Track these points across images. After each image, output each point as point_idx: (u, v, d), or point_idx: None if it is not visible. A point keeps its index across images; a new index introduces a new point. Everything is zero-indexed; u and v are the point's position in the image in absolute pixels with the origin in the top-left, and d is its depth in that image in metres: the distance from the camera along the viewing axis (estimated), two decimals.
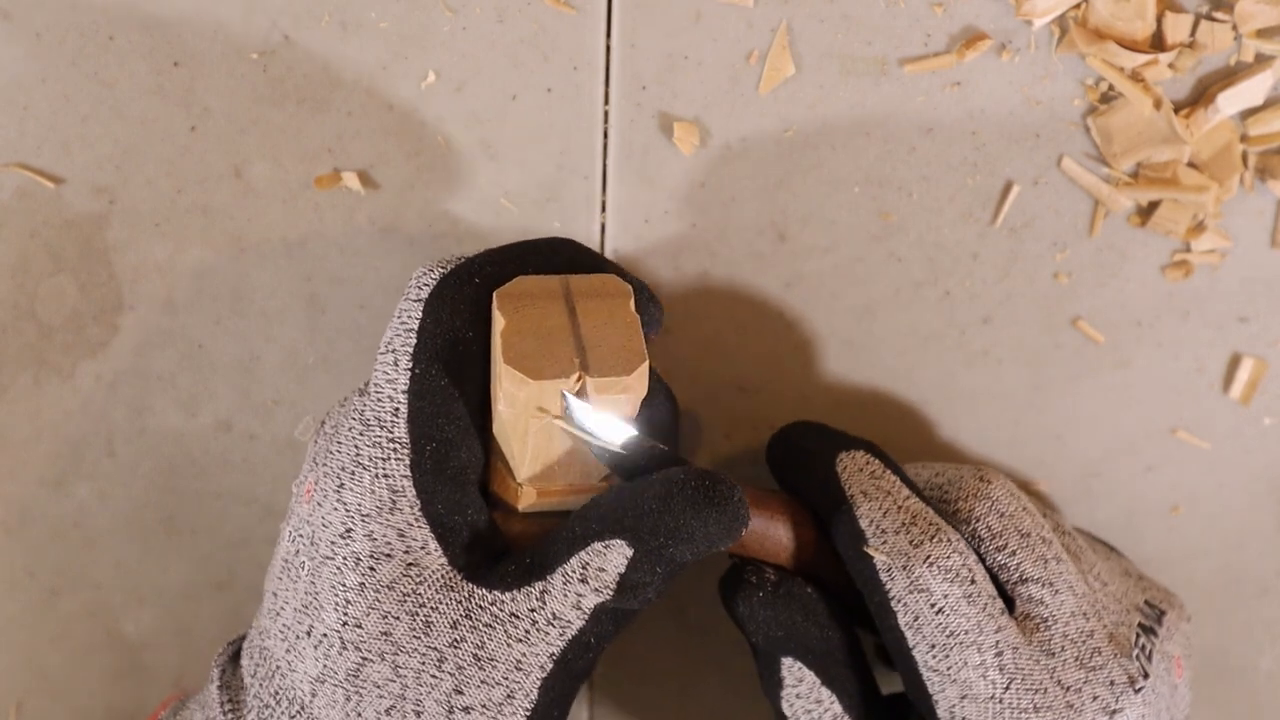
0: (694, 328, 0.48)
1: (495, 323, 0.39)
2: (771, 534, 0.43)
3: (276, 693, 0.40)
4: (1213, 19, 0.43)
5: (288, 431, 0.50)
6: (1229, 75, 0.44)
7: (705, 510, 0.38)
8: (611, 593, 0.38)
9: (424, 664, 0.38)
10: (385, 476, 0.39)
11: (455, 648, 0.38)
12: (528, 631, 0.38)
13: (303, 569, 0.39)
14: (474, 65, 0.44)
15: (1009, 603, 0.43)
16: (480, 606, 0.38)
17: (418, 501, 0.38)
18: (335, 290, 0.47)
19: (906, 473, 0.45)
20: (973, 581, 0.41)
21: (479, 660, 0.38)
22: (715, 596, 0.53)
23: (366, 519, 0.39)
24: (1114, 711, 0.41)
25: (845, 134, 0.45)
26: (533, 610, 0.38)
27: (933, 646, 0.41)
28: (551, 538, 0.39)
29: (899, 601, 0.41)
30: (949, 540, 0.42)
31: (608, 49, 0.44)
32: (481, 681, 0.39)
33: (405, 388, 0.39)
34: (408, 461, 0.39)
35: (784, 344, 0.49)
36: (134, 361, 0.48)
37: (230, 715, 0.40)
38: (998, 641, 0.41)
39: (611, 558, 0.38)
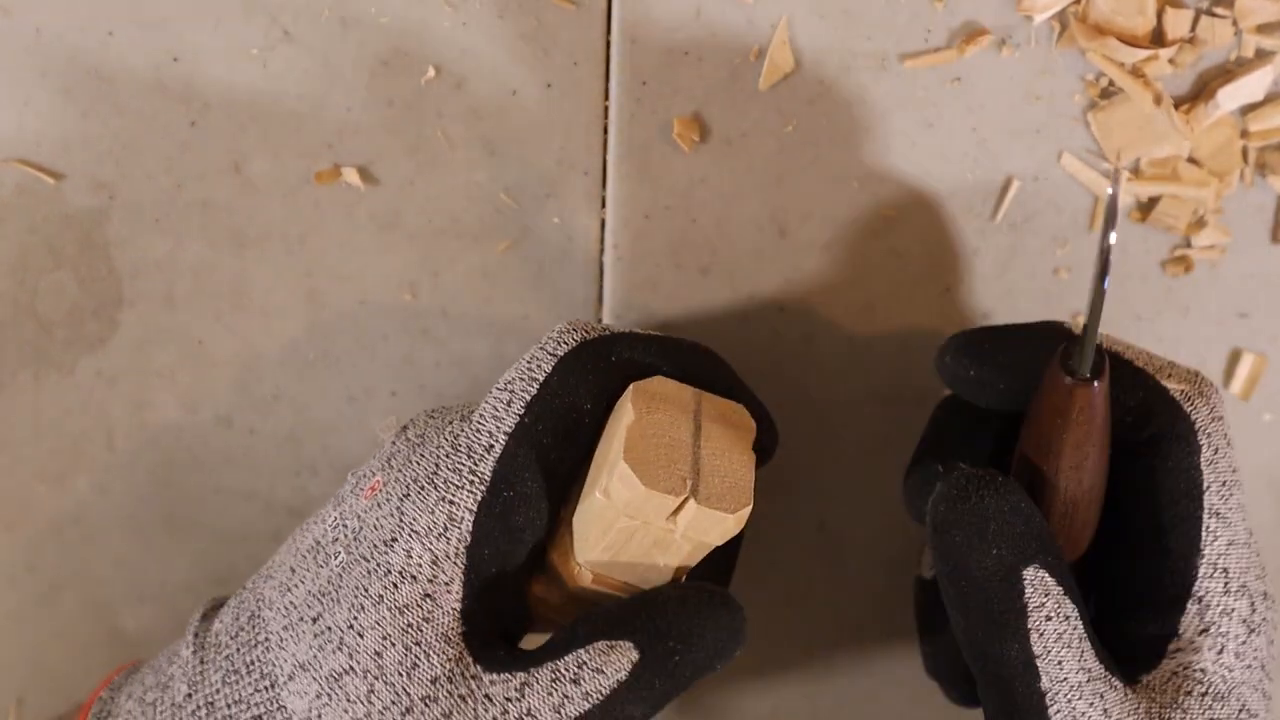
0: (694, 323, 0.48)
1: (623, 413, 0.38)
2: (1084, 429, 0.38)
3: (252, 663, 0.39)
4: (1213, 14, 0.43)
5: (288, 427, 0.50)
6: (1229, 71, 0.44)
7: (722, 618, 0.37)
8: (599, 701, 0.37)
9: (393, 703, 0.37)
10: (451, 503, 0.38)
11: (425, 704, 0.37)
12: (495, 718, 0.37)
13: (335, 558, 0.39)
14: (474, 60, 0.44)
15: None
16: (462, 675, 0.37)
17: (468, 538, 0.38)
18: (335, 286, 0.47)
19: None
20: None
21: None
22: None
23: (414, 536, 0.38)
24: None
25: (845, 129, 0.45)
26: (508, 699, 0.37)
27: (1224, 484, 0.39)
28: (556, 635, 0.38)
29: (1204, 432, 0.39)
30: (1206, 379, 0.40)
31: (608, 44, 0.44)
32: None
33: (509, 430, 0.38)
34: (479, 497, 0.38)
35: (784, 340, 0.49)
36: (134, 357, 0.48)
37: (197, 675, 0.39)
38: (1241, 481, 0.40)
39: (614, 659, 0.37)
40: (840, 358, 0.49)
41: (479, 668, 0.37)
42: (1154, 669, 0.39)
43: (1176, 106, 0.45)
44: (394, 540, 0.38)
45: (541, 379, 0.39)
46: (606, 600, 0.39)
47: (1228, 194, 0.46)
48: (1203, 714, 0.38)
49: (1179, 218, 0.46)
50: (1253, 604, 0.40)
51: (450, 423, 0.40)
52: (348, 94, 0.44)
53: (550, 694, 0.37)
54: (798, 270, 0.48)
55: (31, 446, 0.50)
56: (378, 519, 0.39)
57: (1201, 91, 0.45)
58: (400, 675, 0.37)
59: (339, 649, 0.38)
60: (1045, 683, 0.37)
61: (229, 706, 0.39)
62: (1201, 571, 0.39)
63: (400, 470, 0.39)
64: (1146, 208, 0.47)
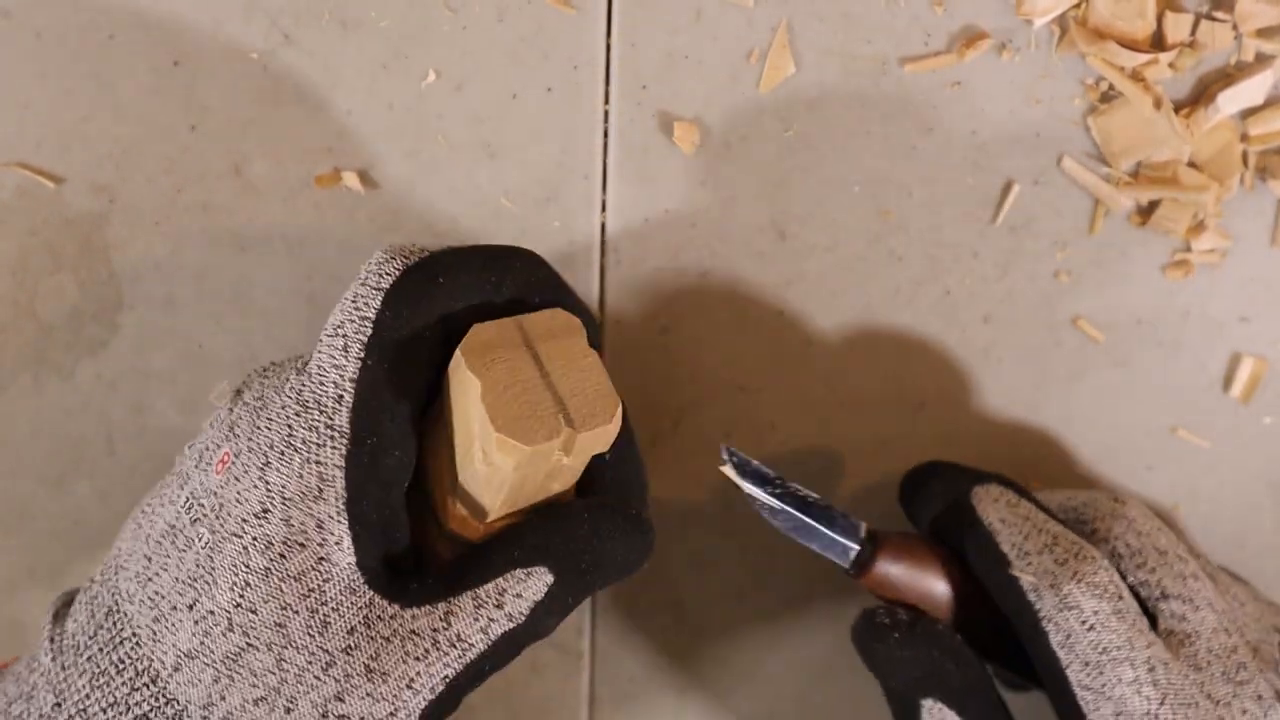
0: (694, 326, 0.48)
1: (464, 380, 0.38)
2: (919, 584, 0.44)
3: (121, 660, 0.38)
4: (1213, 18, 0.43)
5: None
6: (1229, 74, 0.44)
7: (632, 537, 0.39)
8: (522, 620, 0.38)
9: (310, 663, 0.37)
10: (318, 463, 0.37)
11: (347, 654, 0.37)
12: (426, 651, 0.37)
13: (199, 539, 0.37)
14: (474, 64, 0.44)
15: (1151, 620, 0.43)
16: (379, 618, 0.37)
17: (345, 495, 0.37)
18: (335, 289, 0.47)
19: (1040, 497, 0.45)
20: (1120, 597, 0.42)
21: (369, 672, 0.37)
22: (714, 598, 0.53)
23: (288, 503, 0.37)
24: None
25: (845, 133, 0.45)
26: (435, 630, 0.37)
27: (1086, 664, 0.41)
28: (465, 562, 0.39)
29: (1049, 621, 0.41)
30: (1094, 558, 0.42)
31: (608, 48, 0.44)
32: (367, 694, 0.37)
33: (353, 376, 0.37)
34: (343, 451, 0.37)
35: (784, 343, 0.49)
36: (134, 360, 0.48)
37: (61, 681, 0.38)
38: (1149, 657, 0.41)
39: (531, 584, 0.38)
40: (840, 361, 0.49)
41: (397, 606, 0.37)
42: None
43: (1176, 110, 0.44)
44: (266, 511, 0.37)
45: (373, 316, 0.38)
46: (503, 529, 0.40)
47: (1228, 198, 0.46)
48: None
49: (1179, 221, 0.46)
50: None
51: (287, 379, 0.39)
52: (348, 97, 0.44)
53: (476, 618, 0.38)
54: (797, 273, 0.48)
55: (31, 449, 0.50)
56: (239, 493, 0.37)
57: (1201, 95, 0.45)
58: (311, 637, 0.37)
59: (229, 630, 0.37)
60: None
61: (104, 711, 0.38)
62: None
63: (250, 439, 0.38)
64: (1146, 211, 0.47)
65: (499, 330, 0.39)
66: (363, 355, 0.37)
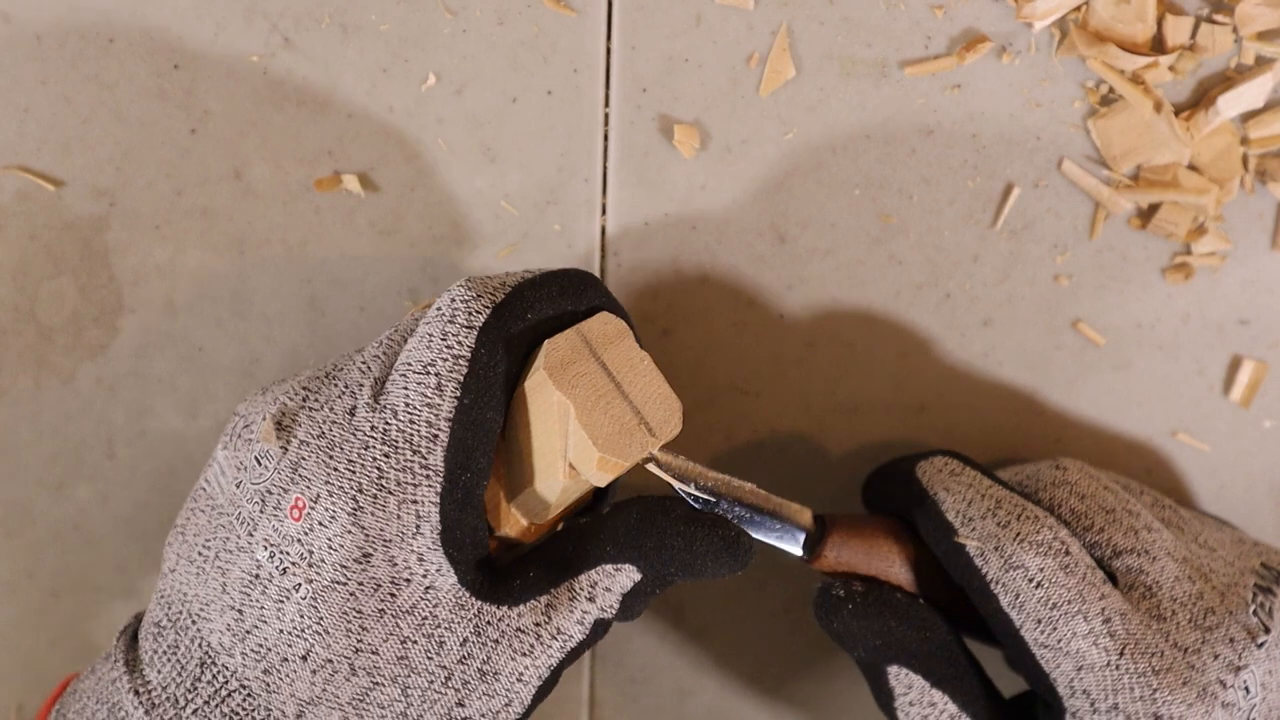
0: (694, 330, 0.48)
1: (552, 400, 0.38)
2: (875, 562, 0.44)
3: (236, 712, 0.39)
4: (1213, 21, 0.43)
5: None
6: (1229, 78, 0.44)
7: (724, 559, 0.40)
8: (613, 611, 0.40)
9: (431, 682, 0.39)
10: (414, 503, 0.38)
11: (463, 664, 0.39)
12: (532, 646, 0.39)
13: (296, 591, 0.38)
14: (474, 68, 0.44)
15: (1112, 579, 0.43)
16: (489, 623, 0.39)
17: (440, 527, 0.38)
18: (335, 292, 0.47)
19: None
20: (1067, 553, 0.42)
21: (484, 674, 0.39)
22: (714, 598, 0.53)
23: (388, 545, 0.38)
24: (1239, 668, 0.41)
25: (845, 136, 0.45)
26: (538, 625, 0.39)
27: (1038, 622, 0.41)
28: (553, 556, 0.40)
29: (997, 583, 0.42)
30: (1036, 517, 0.42)
31: (608, 51, 0.44)
32: (484, 693, 0.39)
33: (449, 416, 0.38)
34: (438, 489, 0.38)
35: (784, 346, 0.49)
36: (134, 364, 0.48)
37: None
38: (1104, 609, 0.41)
39: (620, 579, 0.40)
40: (840, 364, 0.49)
41: (503, 609, 0.39)
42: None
43: (1177, 113, 0.44)
44: (368, 556, 0.38)
45: (467, 355, 0.38)
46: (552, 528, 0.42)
47: (1228, 201, 0.46)
48: None
49: (1179, 224, 0.46)
50: None
51: (350, 411, 0.39)
52: (348, 101, 0.44)
53: (572, 610, 0.40)
54: (798, 276, 0.48)
55: (32, 453, 0.50)
56: (330, 539, 0.38)
57: (1202, 98, 0.45)
58: (429, 659, 0.39)
59: (352, 674, 0.38)
60: None
61: None
62: (1062, 693, 0.42)
63: (328, 482, 0.38)
64: (1146, 215, 0.47)
65: (568, 345, 0.40)
66: (459, 395, 0.38)
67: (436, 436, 0.38)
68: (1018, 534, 0.42)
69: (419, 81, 0.44)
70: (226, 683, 0.39)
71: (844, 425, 0.50)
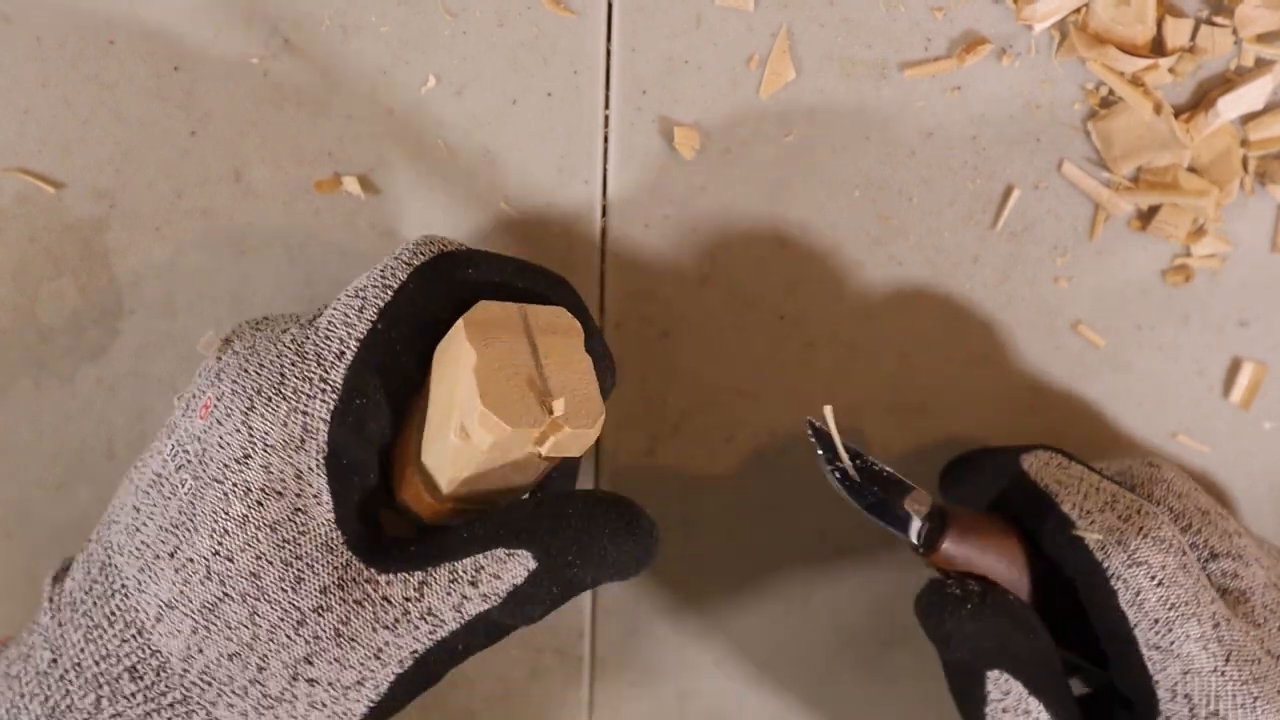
0: (694, 330, 0.48)
1: (460, 350, 0.37)
2: (988, 560, 0.43)
3: (113, 613, 0.38)
4: (1213, 23, 0.43)
5: None
6: (1229, 79, 0.44)
7: (625, 539, 0.37)
8: (498, 602, 0.37)
9: (282, 620, 0.36)
10: (304, 413, 0.37)
11: (318, 614, 0.37)
12: (397, 620, 0.37)
13: (182, 485, 0.37)
14: (474, 69, 0.44)
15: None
16: (354, 580, 0.37)
17: (326, 449, 0.37)
18: (335, 293, 0.47)
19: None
20: (1184, 552, 0.41)
21: (339, 636, 0.37)
22: (715, 599, 0.53)
23: (270, 450, 0.37)
24: None
25: (845, 138, 0.45)
26: (407, 600, 0.37)
27: (1155, 622, 0.40)
28: (446, 533, 0.38)
29: (1118, 578, 0.40)
30: (1155, 512, 0.41)
31: (608, 53, 0.44)
32: (335, 659, 0.37)
33: (360, 336, 0.37)
34: (331, 406, 0.37)
35: (784, 347, 0.49)
36: (134, 365, 0.48)
37: (58, 638, 0.38)
38: (1214, 613, 0.40)
39: (511, 567, 0.37)
40: (840, 366, 0.49)
41: (372, 571, 0.37)
42: None
43: (1176, 115, 0.45)
44: (248, 457, 0.37)
45: (396, 286, 0.38)
46: (459, 518, 0.39)
47: (1228, 203, 0.46)
48: None
49: (1179, 226, 0.46)
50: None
51: (286, 330, 0.39)
52: (348, 102, 0.44)
53: (449, 594, 0.37)
54: (798, 278, 0.48)
55: (32, 454, 0.50)
56: (221, 437, 0.37)
57: (1201, 100, 0.45)
58: (284, 591, 0.36)
59: (207, 578, 0.36)
60: None
61: (97, 664, 0.37)
62: (1161, 698, 0.41)
63: (236, 383, 0.37)
64: (1146, 216, 0.47)
65: (503, 312, 0.38)
66: (375, 318, 0.37)
67: (343, 354, 0.37)
68: (1140, 528, 0.41)
69: (419, 83, 0.44)
70: (112, 581, 0.38)
71: (844, 426, 0.50)
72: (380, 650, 0.37)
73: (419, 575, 0.37)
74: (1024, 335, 0.49)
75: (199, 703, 0.37)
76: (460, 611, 0.37)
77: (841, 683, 0.55)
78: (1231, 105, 0.44)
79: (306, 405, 0.37)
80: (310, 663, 0.37)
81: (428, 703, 0.56)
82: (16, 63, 0.44)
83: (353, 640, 0.37)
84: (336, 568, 0.37)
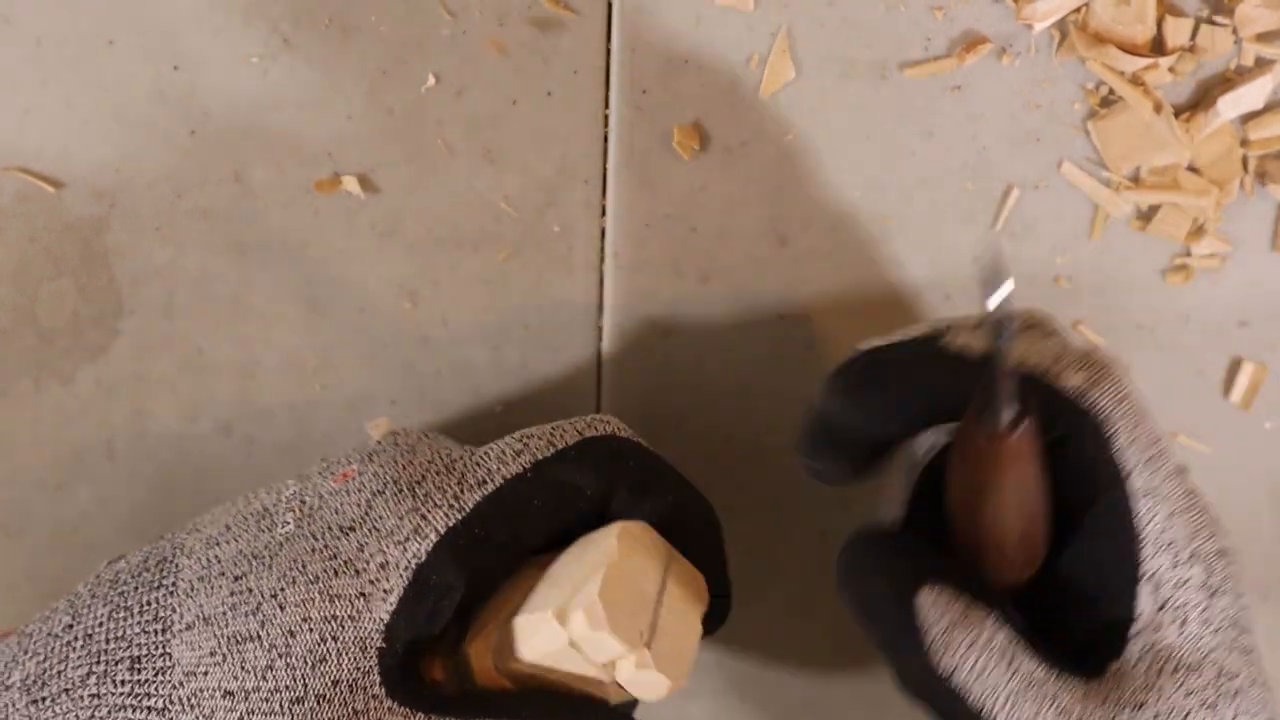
0: (694, 330, 0.48)
1: (603, 547, 0.37)
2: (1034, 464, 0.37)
3: (147, 604, 0.38)
4: (1213, 23, 0.43)
5: (288, 436, 0.50)
6: (1229, 79, 0.44)
7: None
8: None
9: (287, 689, 0.36)
10: (423, 517, 0.37)
11: (318, 703, 0.36)
12: None
13: (283, 526, 0.38)
14: (474, 69, 0.44)
15: None
16: (365, 689, 0.36)
17: (424, 557, 0.37)
18: (335, 294, 0.47)
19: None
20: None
21: None
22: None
23: (374, 532, 0.37)
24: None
25: (845, 138, 0.45)
26: None
27: (1148, 460, 0.37)
28: (471, 697, 0.37)
29: (1109, 421, 0.37)
30: (1125, 369, 0.39)
31: (608, 53, 0.44)
32: None
33: (506, 475, 0.38)
34: (450, 523, 0.37)
35: (785, 347, 0.49)
36: (134, 365, 0.48)
37: (84, 606, 0.38)
38: (1166, 448, 0.38)
39: None
40: None
41: (383, 690, 0.36)
42: (1120, 655, 0.38)
43: (1176, 115, 0.45)
44: (352, 530, 0.37)
45: (561, 448, 0.39)
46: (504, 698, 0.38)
47: (1228, 202, 0.46)
48: (1175, 688, 0.37)
49: (1179, 226, 0.46)
50: (1209, 567, 0.38)
51: (447, 447, 0.40)
52: (348, 102, 0.44)
53: None
54: (798, 278, 0.48)
55: (31, 455, 0.50)
56: (341, 504, 0.38)
57: (1201, 100, 0.45)
58: (304, 662, 0.36)
59: (253, 614, 0.37)
60: (975, 698, 0.36)
61: (107, 641, 0.37)
62: (1146, 551, 0.37)
63: (383, 467, 0.38)
64: (1146, 216, 0.47)
65: (654, 541, 0.39)
66: (528, 467, 0.38)
67: (485, 483, 0.38)
68: (1099, 378, 0.38)
69: (419, 83, 0.44)
70: (165, 577, 0.38)
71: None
72: None
73: (421, 717, 0.36)
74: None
75: None
76: None
77: (841, 683, 0.55)
78: (1231, 105, 0.44)
79: (429, 511, 0.37)
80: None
81: None
82: (17, 63, 0.44)
83: None
84: (358, 669, 0.36)
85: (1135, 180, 0.46)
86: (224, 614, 0.37)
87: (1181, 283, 0.48)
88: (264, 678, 0.36)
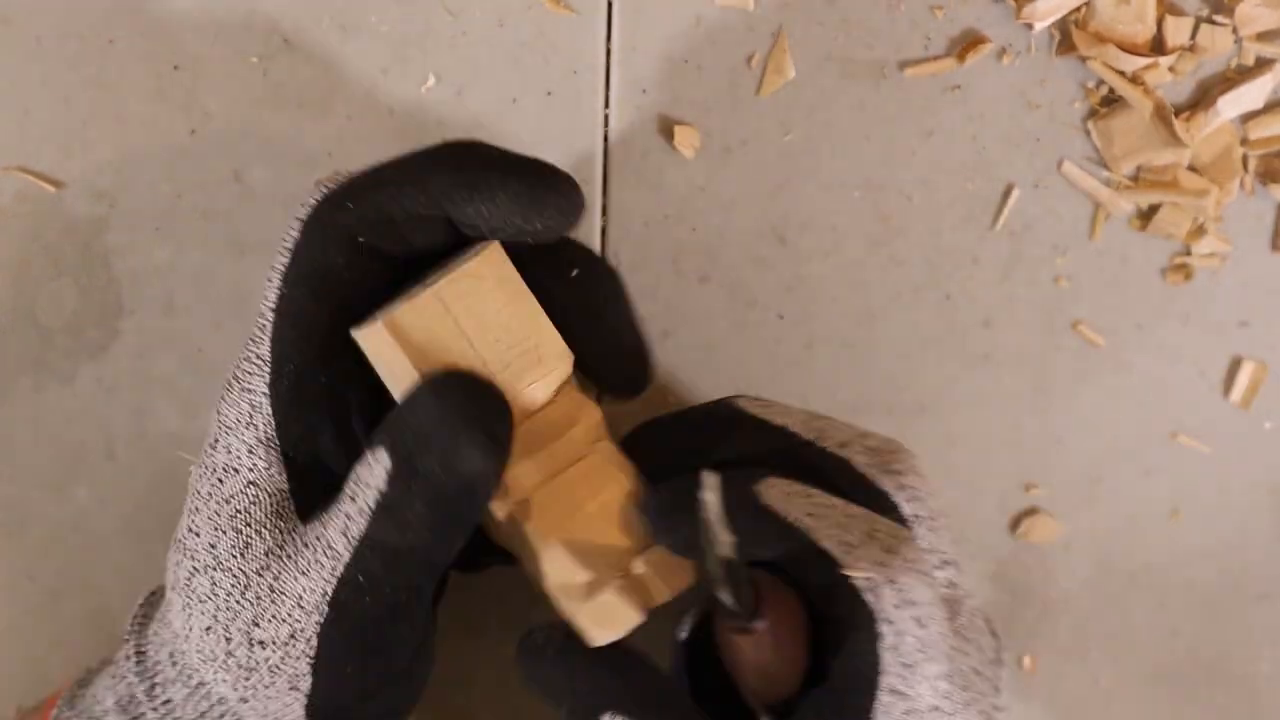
0: (694, 330, 0.48)
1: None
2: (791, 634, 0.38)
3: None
4: (1213, 22, 0.43)
5: None
6: (1229, 78, 0.44)
7: (457, 422, 0.34)
8: (371, 515, 0.35)
9: (234, 587, 0.37)
10: (248, 391, 0.38)
11: (260, 575, 0.37)
12: (309, 563, 0.36)
13: (190, 477, 0.39)
14: (474, 69, 0.44)
15: None
16: (291, 536, 0.37)
17: (271, 420, 0.37)
18: None
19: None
20: (935, 583, 0.36)
21: (274, 592, 0.37)
22: None
23: (229, 431, 0.38)
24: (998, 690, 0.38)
25: (845, 138, 0.45)
26: (317, 539, 0.36)
27: (905, 665, 0.35)
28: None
29: (884, 620, 0.35)
30: (911, 538, 0.37)
31: (608, 52, 0.44)
32: (273, 616, 0.37)
33: (273, 305, 0.37)
34: (267, 379, 0.37)
35: (784, 347, 0.49)
36: (134, 365, 0.48)
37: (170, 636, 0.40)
38: (950, 647, 0.36)
39: (376, 471, 0.35)
40: (840, 365, 0.49)
41: (299, 521, 0.37)
42: None
43: (1177, 114, 0.45)
44: (216, 441, 0.38)
45: (291, 246, 0.37)
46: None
47: (1228, 202, 0.46)
48: None
49: (1179, 225, 0.46)
50: (949, 694, 0.36)
51: None
52: (348, 102, 0.44)
53: (336, 517, 0.36)
54: (797, 278, 0.48)
55: (31, 454, 0.50)
56: (209, 428, 0.39)
57: (1202, 99, 0.45)
58: (234, 558, 0.37)
59: (182, 556, 0.38)
60: None
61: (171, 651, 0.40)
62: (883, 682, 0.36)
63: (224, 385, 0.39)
64: (1146, 216, 0.47)
65: (423, 317, 0.37)
66: (281, 285, 0.37)
67: (264, 327, 0.38)
68: (906, 561, 0.36)
69: (419, 83, 0.44)
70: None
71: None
72: (301, 598, 0.37)
73: (323, 510, 0.37)
74: (1024, 335, 0.49)
75: (200, 680, 0.39)
76: (347, 536, 0.36)
77: None
78: (1232, 104, 0.44)
79: (249, 383, 0.38)
80: (257, 624, 0.37)
81: (428, 701, 0.56)
82: (17, 63, 0.44)
83: (282, 594, 0.37)
84: (282, 530, 0.37)
85: (1135, 179, 0.46)
86: (174, 573, 0.39)
87: (1181, 282, 0.48)
88: (215, 594, 0.38)
